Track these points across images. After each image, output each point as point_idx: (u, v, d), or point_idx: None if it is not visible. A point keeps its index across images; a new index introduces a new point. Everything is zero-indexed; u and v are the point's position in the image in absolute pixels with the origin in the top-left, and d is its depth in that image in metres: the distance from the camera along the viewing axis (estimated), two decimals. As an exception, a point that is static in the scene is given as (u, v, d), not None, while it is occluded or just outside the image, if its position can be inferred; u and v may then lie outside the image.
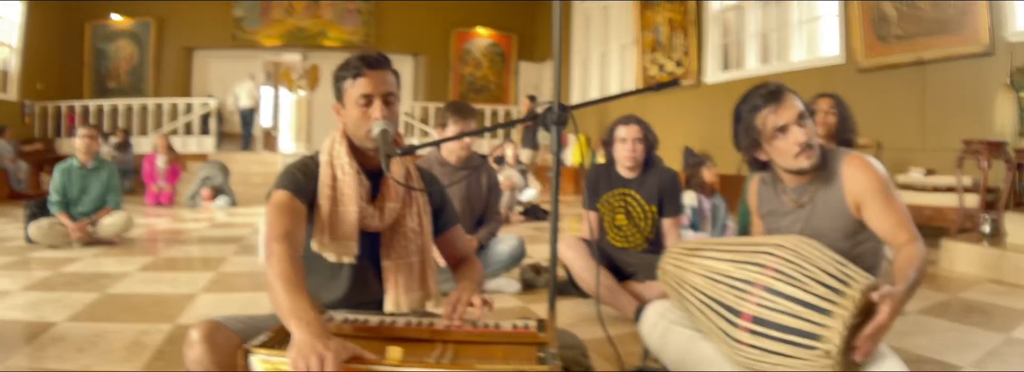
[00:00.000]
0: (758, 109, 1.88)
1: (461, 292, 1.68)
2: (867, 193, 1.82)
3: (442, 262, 2.11)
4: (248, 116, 12.83)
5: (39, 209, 5.22)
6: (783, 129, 1.86)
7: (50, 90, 12.12)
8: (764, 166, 2.03)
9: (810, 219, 1.96)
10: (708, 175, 5.01)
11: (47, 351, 2.44)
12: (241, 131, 13.04)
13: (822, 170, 1.93)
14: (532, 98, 12.21)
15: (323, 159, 1.82)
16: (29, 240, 5.06)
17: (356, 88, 1.75)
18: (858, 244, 1.93)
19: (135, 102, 12.11)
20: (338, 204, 1.78)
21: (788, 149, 1.87)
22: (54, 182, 5.19)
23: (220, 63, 13.84)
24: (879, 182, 1.82)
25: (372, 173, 1.86)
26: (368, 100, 1.75)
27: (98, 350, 2.46)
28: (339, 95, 1.82)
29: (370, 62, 1.76)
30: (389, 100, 1.77)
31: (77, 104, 12.12)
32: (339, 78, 1.80)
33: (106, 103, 12.08)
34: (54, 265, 4.25)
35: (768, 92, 1.88)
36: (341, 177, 1.79)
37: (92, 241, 5.18)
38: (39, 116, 11.80)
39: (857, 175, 1.85)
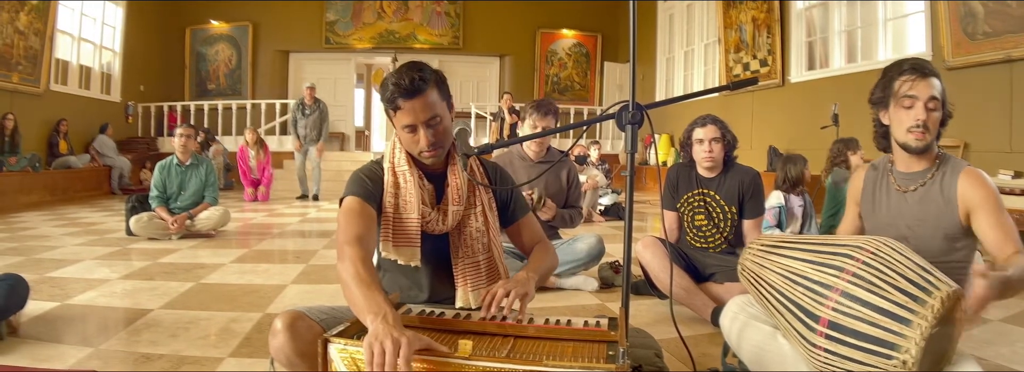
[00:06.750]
0: (902, 73, 1.94)
1: (500, 285, 1.65)
2: (983, 203, 1.86)
3: None
4: None
5: (140, 203, 5.52)
6: (910, 99, 1.91)
7: (152, 92, 12.79)
8: (884, 134, 2.06)
9: (910, 206, 1.99)
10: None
11: (141, 335, 2.58)
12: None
13: (936, 169, 1.97)
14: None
15: (386, 166, 1.86)
16: (130, 233, 5.34)
17: (398, 119, 1.76)
18: (954, 250, 1.94)
19: (234, 103, 12.63)
20: (400, 211, 1.83)
21: (905, 121, 1.93)
22: (154, 178, 5.47)
23: (314, 65, 14.32)
24: (995, 196, 1.88)
25: (434, 176, 1.90)
26: (412, 129, 1.76)
27: (189, 336, 2.59)
28: (389, 116, 1.82)
29: (405, 91, 1.70)
30: (432, 123, 1.76)
31: (178, 105, 12.72)
32: (383, 101, 1.78)
33: (206, 104, 12.65)
34: (152, 256, 4.48)
35: (921, 65, 1.93)
36: (403, 184, 1.83)
37: (190, 234, 5.44)
38: (141, 116, 12.45)
39: (977, 184, 1.89)
